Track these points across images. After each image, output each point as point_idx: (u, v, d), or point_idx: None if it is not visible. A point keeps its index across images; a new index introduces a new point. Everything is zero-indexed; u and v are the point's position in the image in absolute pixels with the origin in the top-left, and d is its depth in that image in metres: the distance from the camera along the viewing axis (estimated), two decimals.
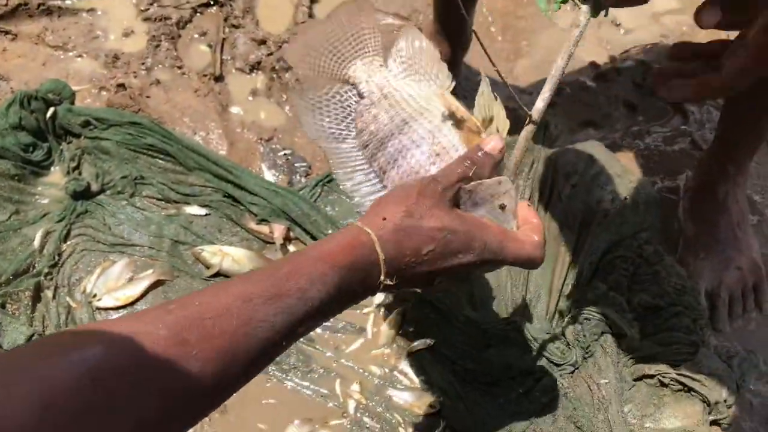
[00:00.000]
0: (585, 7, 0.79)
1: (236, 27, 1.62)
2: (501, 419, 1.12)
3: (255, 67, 1.56)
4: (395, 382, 1.19)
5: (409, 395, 1.17)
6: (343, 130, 0.89)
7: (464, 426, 1.12)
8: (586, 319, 1.18)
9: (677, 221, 1.39)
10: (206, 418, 1.12)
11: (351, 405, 1.16)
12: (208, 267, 1.27)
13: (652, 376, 1.16)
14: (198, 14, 1.64)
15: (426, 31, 1.55)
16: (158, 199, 1.34)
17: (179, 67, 1.55)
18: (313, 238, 1.29)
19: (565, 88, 1.58)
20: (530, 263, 0.78)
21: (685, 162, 1.49)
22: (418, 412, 1.15)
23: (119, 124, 1.38)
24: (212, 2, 1.64)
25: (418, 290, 1.18)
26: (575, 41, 0.79)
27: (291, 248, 1.30)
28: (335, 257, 0.68)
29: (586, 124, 1.54)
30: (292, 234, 1.31)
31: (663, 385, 1.16)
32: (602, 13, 0.80)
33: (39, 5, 1.60)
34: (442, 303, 1.19)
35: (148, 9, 1.63)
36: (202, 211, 1.33)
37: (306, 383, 1.18)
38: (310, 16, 1.65)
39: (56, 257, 1.26)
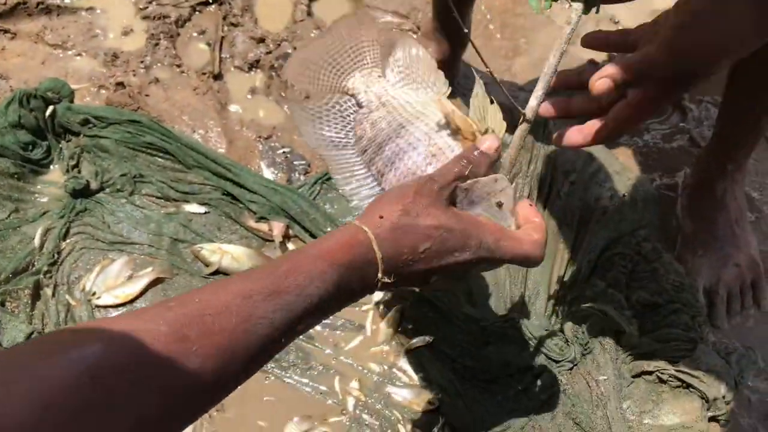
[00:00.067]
0: (576, 5, 0.79)
1: (235, 25, 1.62)
2: (500, 416, 1.12)
3: (254, 65, 1.57)
4: (394, 379, 1.19)
5: (408, 392, 1.17)
6: (343, 138, 0.90)
7: (463, 423, 1.12)
8: (584, 316, 1.19)
9: (675, 218, 1.39)
10: (206, 416, 1.12)
11: (350, 402, 1.16)
12: (207, 265, 1.27)
13: (650, 373, 1.16)
14: (197, 13, 1.64)
15: (425, 29, 1.56)
16: (157, 197, 1.34)
17: (178, 66, 1.55)
18: (312, 235, 1.29)
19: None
20: (527, 261, 0.78)
21: (684, 159, 1.49)
22: (417, 409, 1.15)
23: (118, 123, 1.38)
24: (211, 0, 1.64)
25: (416, 289, 1.18)
26: (567, 39, 0.80)
27: (290, 246, 1.31)
28: (333, 255, 0.68)
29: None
30: (291, 232, 1.31)
31: (661, 381, 1.16)
32: (593, 10, 0.80)
33: (38, 4, 1.60)
34: (440, 301, 1.20)
35: (147, 7, 1.63)
36: (202, 209, 1.33)
37: (305, 380, 1.18)
38: (309, 14, 1.65)
39: (56, 255, 1.26)
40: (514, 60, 1.64)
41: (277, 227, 1.30)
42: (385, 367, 1.20)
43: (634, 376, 1.17)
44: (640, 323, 1.20)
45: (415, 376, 1.19)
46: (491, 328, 1.18)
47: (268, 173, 1.41)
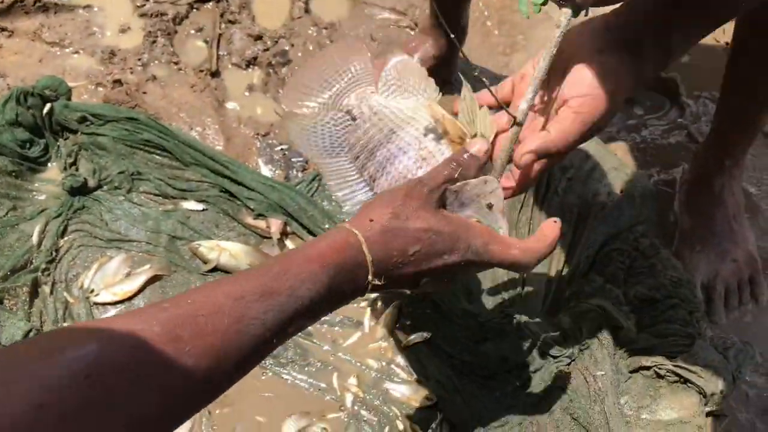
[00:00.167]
0: (565, 9, 0.80)
1: (232, 22, 1.62)
2: (497, 412, 1.12)
3: (251, 62, 1.57)
4: (392, 375, 1.19)
5: (406, 388, 1.17)
6: (336, 147, 0.92)
7: (461, 419, 1.13)
8: (582, 311, 1.19)
9: (673, 214, 1.39)
10: (205, 412, 1.13)
11: (348, 398, 1.16)
12: (205, 262, 1.27)
13: (648, 368, 1.16)
14: (194, 10, 1.64)
15: (422, 25, 1.56)
16: (155, 195, 1.34)
17: (175, 63, 1.55)
18: (310, 232, 1.29)
19: None
20: (515, 267, 0.80)
21: (682, 155, 1.49)
22: (415, 405, 1.16)
23: (116, 120, 1.38)
24: None
25: (407, 291, 1.19)
26: (556, 42, 0.80)
27: (288, 243, 1.31)
28: (324, 258, 0.69)
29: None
30: (288, 229, 1.31)
31: (659, 376, 1.16)
32: (582, 13, 0.80)
33: (35, 2, 1.60)
34: (438, 297, 1.20)
35: (145, 5, 1.63)
36: (199, 207, 1.33)
37: (303, 377, 1.18)
38: (307, 11, 1.65)
39: (53, 253, 1.26)
40: (512, 56, 1.64)
41: (275, 224, 1.30)
42: (383, 364, 1.20)
43: (631, 372, 1.17)
44: (638, 319, 1.20)
45: (413, 373, 1.19)
46: (489, 324, 1.18)
47: (265, 170, 1.41)
